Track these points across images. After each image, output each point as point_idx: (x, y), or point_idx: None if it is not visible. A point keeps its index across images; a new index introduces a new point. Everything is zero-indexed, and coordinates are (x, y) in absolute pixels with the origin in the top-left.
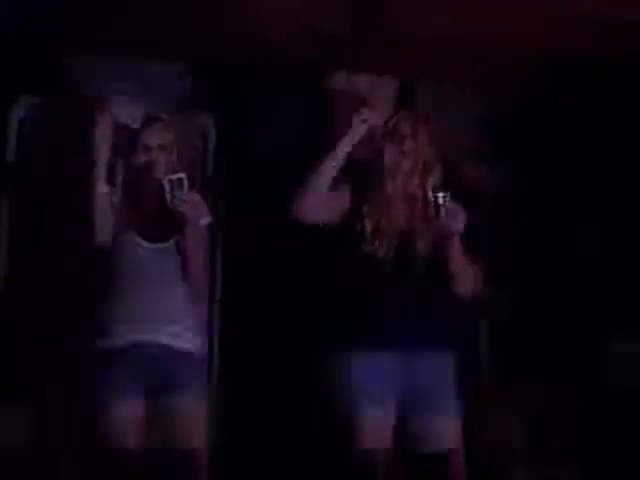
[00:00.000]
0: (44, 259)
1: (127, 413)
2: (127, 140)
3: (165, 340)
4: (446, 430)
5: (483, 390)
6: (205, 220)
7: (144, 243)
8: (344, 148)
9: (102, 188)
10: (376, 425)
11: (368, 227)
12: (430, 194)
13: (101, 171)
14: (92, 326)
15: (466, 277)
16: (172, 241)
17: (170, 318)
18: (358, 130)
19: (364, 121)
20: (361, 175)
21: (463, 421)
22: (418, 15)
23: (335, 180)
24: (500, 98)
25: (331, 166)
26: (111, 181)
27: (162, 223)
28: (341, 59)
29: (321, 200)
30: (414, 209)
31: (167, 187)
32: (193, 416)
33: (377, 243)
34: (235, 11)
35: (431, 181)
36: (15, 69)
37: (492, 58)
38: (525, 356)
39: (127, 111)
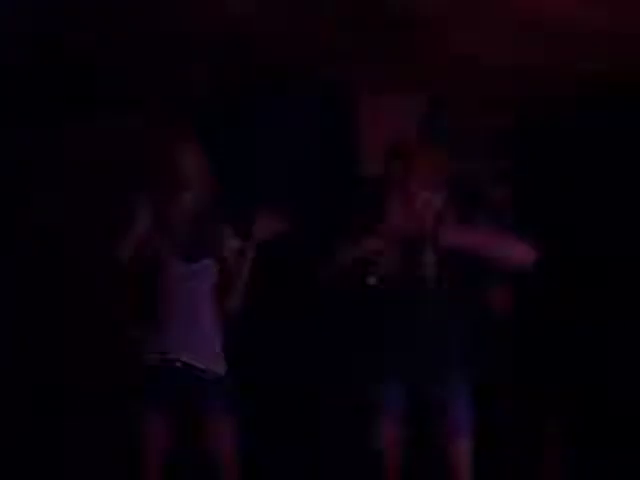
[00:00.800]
0: (76, 273)
1: (157, 429)
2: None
3: (192, 361)
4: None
5: None
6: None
7: (177, 263)
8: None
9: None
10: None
11: (373, 248)
12: (435, 212)
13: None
14: (124, 342)
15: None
16: (204, 262)
17: (199, 339)
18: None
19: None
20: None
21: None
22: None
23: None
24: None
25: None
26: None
27: (194, 244)
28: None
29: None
30: (420, 227)
31: None
32: (220, 435)
33: (381, 263)
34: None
35: (437, 200)
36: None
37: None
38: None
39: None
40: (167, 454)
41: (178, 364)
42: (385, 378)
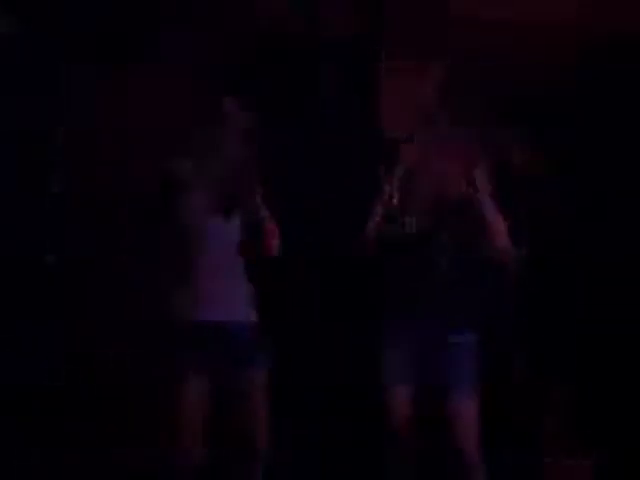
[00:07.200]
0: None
1: (197, 390)
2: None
3: (227, 318)
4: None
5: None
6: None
7: (210, 219)
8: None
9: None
10: (399, 397)
11: (396, 204)
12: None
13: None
14: (165, 304)
15: (498, 230)
16: (233, 217)
17: (233, 296)
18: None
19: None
20: (391, 153)
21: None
22: None
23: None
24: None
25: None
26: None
27: (225, 199)
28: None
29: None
30: (443, 186)
31: None
32: (260, 392)
33: (405, 220)
34: None
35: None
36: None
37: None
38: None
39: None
40: (206, 419)
41: (216, 324)
42: (389, 316)
